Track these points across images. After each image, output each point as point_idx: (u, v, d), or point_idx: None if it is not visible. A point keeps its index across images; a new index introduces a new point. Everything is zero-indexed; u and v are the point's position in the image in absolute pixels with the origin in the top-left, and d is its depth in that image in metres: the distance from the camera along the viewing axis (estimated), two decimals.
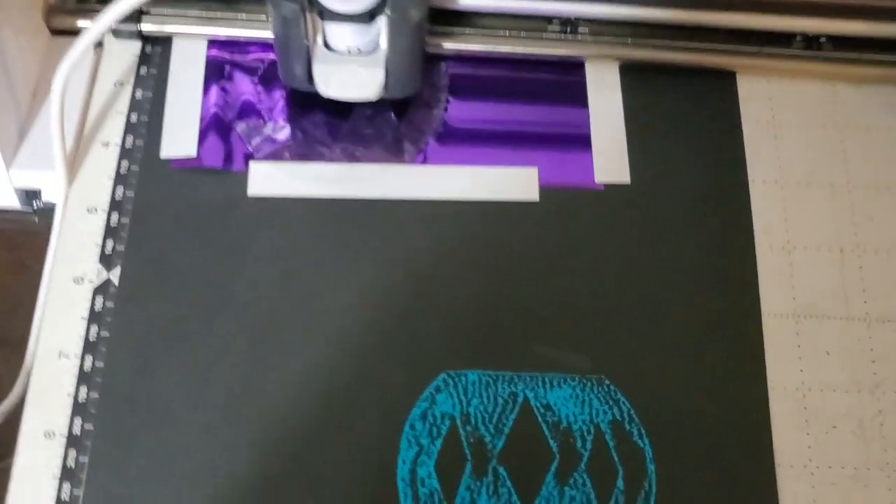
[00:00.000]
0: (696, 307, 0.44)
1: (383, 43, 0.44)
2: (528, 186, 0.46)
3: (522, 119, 0.48)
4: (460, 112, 0.48)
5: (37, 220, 0.48)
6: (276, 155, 0.46)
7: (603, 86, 0.49)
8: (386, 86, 0.45)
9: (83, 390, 0.41)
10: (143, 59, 0.48)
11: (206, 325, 0.42)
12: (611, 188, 0.46)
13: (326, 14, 0.42)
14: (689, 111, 0.49)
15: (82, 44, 0.42)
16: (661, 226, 0.45)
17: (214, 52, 0.49)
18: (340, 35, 0.43)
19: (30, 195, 0.48)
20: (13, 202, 0.48)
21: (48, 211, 0.47)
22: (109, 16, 0.42)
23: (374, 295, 0.43)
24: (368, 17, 0.42)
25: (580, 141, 0.47)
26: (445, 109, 0.48)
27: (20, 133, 0.46)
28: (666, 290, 0.44)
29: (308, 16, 0.42)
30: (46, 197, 0.47)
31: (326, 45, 0.44)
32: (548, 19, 0.50)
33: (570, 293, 0.44)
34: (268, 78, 0.48)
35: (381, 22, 0.42)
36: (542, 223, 0.45)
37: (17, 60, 0.45)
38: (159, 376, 0.41)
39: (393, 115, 0.48)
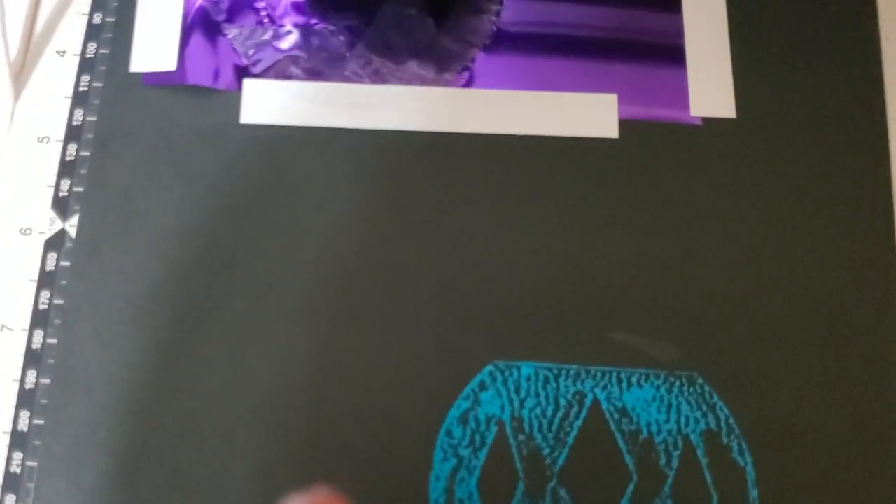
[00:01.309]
0: (820, 286, 0.34)
1: None
2: (604, 119, 0.36)
3: (596, 25, 0.37)
4: (517, 14, 0.37)
5: None
6: (277, 70, 0.36)
7: None
8: None
9: (31, 375, 0.32)
10: None
11: (186, 289, 0.33)
12: (711, 123, 0.36)
13: None
14: (811, 22, 0.38)
15: None
16: (774, 176, 0.35)
17: None
18: None
19: None
20: None
21: None
22: None
23: (400, 259, 0.34)
24: None
25: (671, 59, 0.37)
26: (498, 14, 0.37)
27: None
28: (781, 262, 0.34)
29: None
30: None
31: None
32: None
33: (655, 263, 0.34)
34: None
35: None
36: (622, 168, 0.35)
37: None
38: (128, 356, 0.32)
39: (430, 18, 0.37)
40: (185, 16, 0.36)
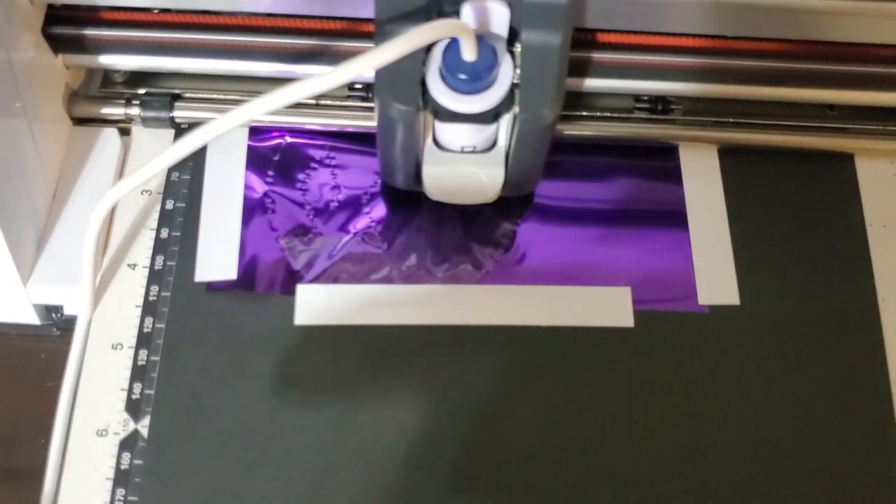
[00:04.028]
0: (823, 460, 0.37)
1: (502, 139, 0.38)
2: (620, 310, 0.39)
3: (608, 234, 0.41)
4: (537, 223, 0.42)
5: (58, 332, 0.43)
6: (327, 275, 0.40)
7: (701, 179, 0.42)
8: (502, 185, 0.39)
9: None
10: None
11: (246, 483, 0.36)
12: (717, 311, 0.40)
13: (443, 114, 0.35)
14: (800, 205, 0.42)
15: (122, 187, 0.36)
16: (776, 360, 0.39)
17: (258, 145, 0.43)
18: (455, 134, 0.37)
19: (49, 307, 0.42)
20: (31, 318, 0.42)
21: (72, 322, 0.41)
22: (206, 131, 0.33)
23: (445, 444, 0.37)
24: (492, 117, 0.35)
25: (677, 249, 0.41)
26: (518, 222, 0.42)
27: (38, 241, 0.41)
28: (788, 439, 0.37)
29: (420, 114, 0.35)
30: (69, 311, 0.42)
31: (436, 143, 0.38)
32: (635, 97, 0.44)
33: (672, 442, 0.37)
34: (317, 182, 0.42)
35: (502, 118, 0.36)
36: (639, 354, 0.39)
37: (33, 158, 0.40)
38: None
39: (458, 221, 0.41)
40: (244, 227, 0.40)
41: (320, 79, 0.31)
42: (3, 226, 0.37)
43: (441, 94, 0.34)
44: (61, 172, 0.42)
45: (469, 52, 0.34)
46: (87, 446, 0.37)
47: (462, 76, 0.34)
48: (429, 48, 0.35)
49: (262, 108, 0.32)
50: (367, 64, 0.31)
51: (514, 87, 0.35)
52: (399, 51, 0.32)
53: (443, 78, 0.34)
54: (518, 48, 0.35)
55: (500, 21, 0.35)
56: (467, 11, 0.34)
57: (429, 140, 0.38)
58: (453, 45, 0.34)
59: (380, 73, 0.34)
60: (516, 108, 0.35)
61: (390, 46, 0.31)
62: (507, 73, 0.35)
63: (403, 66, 0.33)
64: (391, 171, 0.39)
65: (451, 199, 0.39)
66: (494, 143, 0.38)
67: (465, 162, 0.38)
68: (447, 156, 0.38)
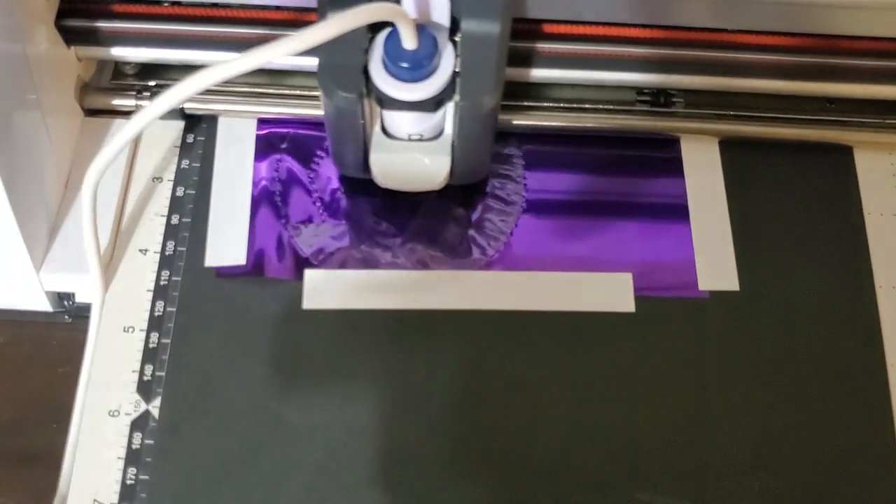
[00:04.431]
0: (821, 444, 0.38)
1: (448, 128, 0.38)
2: (621, 295, 0.40)
3: (610, 224, 0.42)
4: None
5: (69, 319, 0.44)
6: (334, 261, 0.41)
7: (702, 171, 0.43)
8: (451, 173, 0.39)
9: None
10: (185, 147, 0.43)
11: (254, 463, 0.37)
12: (717, 296, 0.40)
13: (387, 102, 0.36)
14: (799, 195, 0.43)
15: (115, 144, 0.36)
16: (775, 343, 0.39)
17: (266, 134, 0.43)
18: (401, 122, 0.38)
19: (62, 295, 0.43)
20: (44, 305, 0.43)
21: (83, 309, 0.42)
22: (150, 112, 0.35)
23: (448, 426, 0.38)
24: (434, 104, 0.36)
25: (679, 239, 0.42)
26: (524, 208, 0.42)
27: (51, 230, 0.42)
28: (786, 421, 0.38)
29: (366, 102, 0.36)
30: (80, 298, 0.42)
31: (384, 131, 0.39)
32: (637, 89, 0.44)
33: (675, 425, 0.38)
34: (325, 171, 0.43)
35: (448, 107, 0.37)
36: (640, 339, 0.39)
37: (46, 149, 0.41)
38: None
39: (462, 209, 0.42)
40: (252, 216, 0.41)
41: (242, 60, 0.31)
42: (18, 215, 0.38)
43: (383, 82, 0.35)
44: (73, 163, 0.43)
45: (408, 40, 0.34)
46: (100, 426, 0.37)
47: (403, 64, 0.35)
48: (372, 37, 0.35)
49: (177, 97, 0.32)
50: (291, 47, 0.31)
51: (455, 75, 0.36)
52: (328, 33, 0.31)
53: (385, 66, 0.35)
54: (459, 37, 0.36)
55: (441, 11, 0.35)
56: (408, 0, 0.35)
57: (377, 128, 0.38)
58: (394, 33, 0.35)
59: (322, 60, 0.35)
60: (457, 96, 0.35)
61: (319, 29, 0.31)
62: (448, 62, 0.35)
63: (345, 53, 0.34)
64: (341, 159, 0.40)
65: (398, 187, 0.40)
66: (443, 132, 0.39)
67: (411, 149, 0.39)
68: (394, 143, 0.39)
